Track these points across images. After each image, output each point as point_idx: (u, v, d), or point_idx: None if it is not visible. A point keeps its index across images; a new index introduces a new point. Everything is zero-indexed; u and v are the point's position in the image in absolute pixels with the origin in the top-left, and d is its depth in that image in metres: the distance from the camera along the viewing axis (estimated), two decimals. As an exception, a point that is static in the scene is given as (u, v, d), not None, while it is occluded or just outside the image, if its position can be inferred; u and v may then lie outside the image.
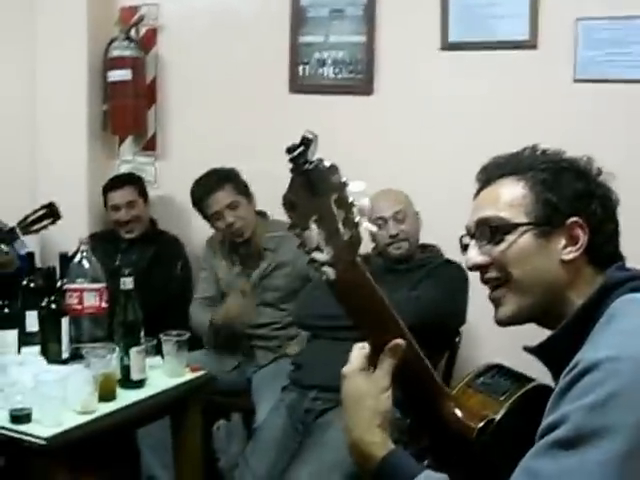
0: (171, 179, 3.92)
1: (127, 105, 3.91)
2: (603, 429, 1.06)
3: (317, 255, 1.16)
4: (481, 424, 1.33)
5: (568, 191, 1.32)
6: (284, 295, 3.32)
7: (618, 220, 1.36)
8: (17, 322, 2.52)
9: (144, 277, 3.59)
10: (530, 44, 3.27)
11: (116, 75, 3.88)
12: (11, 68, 4.14)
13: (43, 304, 2.54)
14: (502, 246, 1.34)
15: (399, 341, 1.25)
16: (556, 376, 1.27)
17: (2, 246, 3.43)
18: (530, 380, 1.44)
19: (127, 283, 2.46)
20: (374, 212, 2.97)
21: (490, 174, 1.41)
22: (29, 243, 3.78)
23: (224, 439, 3.32)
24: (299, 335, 3.28)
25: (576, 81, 3.21)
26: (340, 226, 1.15)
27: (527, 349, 1.37)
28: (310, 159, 1.13)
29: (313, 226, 1.15)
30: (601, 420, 1.07)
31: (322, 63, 3.65)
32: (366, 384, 1.25)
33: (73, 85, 3.97)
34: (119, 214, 3.71)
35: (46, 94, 4.02)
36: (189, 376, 2.60)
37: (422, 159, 3.43)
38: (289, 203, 1.16)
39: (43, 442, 2.07)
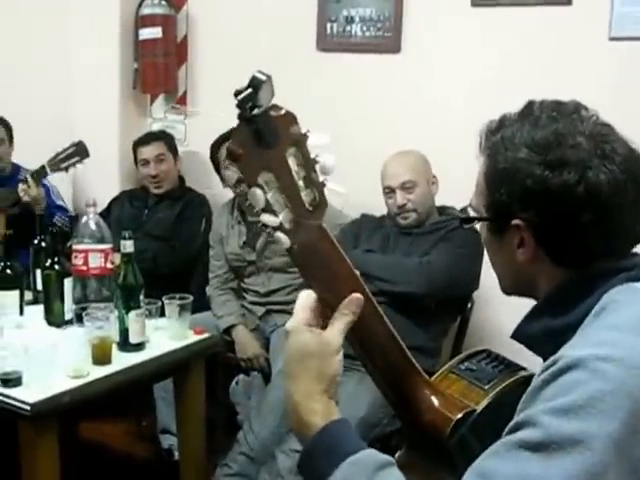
0: (200, 137, 3.75)
1: (157, 63, 3.76)
2: (576, 437, 0.86)
3: (268, 218, 0.94)
4: (460, 415, 1.10)
5: (515, 187, 1.08)
6: None
7: (611, 205, 1.06)
8: (19, 283, 2.40)
9: (170, 233, 3.50)
10: (564, 0, 2.98)
11: (147, 33, 3.73)
12: (46, 25, 4.03)
13: (47, 264, 2.43)
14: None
15: (357, 295, 1.02)
16: None
17: (29, 180, 3.34)
18: (521, 369, 1.22)
19: (127, 246, 2.31)
20: (383, 179, 2.78)
21: (478, 144, 1.19)
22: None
23: (243, 393, 3.21)
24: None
25: (611, 39, 2.93)
26: (301, 186, 0.95)
27: (512, 336, 1.18)
28: (260, 104, 0.90)
29: (262, 183, 0.94)
30: (575, 426, 0.87)
31: (350, 20, 3.42)
32: (313, 342, 1.00)
33: (105, 43, 3.83)
34: (148, 168, 3.58)
35: (79, 52, 3.89)
36: (191, 339, 2.46)
37: (449, 119, 3.21)
38: (232, 155, 0.93)
39: (27, 407, 1.95)
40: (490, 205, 1.14)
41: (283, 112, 0.93)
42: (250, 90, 0.89)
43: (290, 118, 0.94)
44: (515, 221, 1.10)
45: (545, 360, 1.03)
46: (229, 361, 3.15)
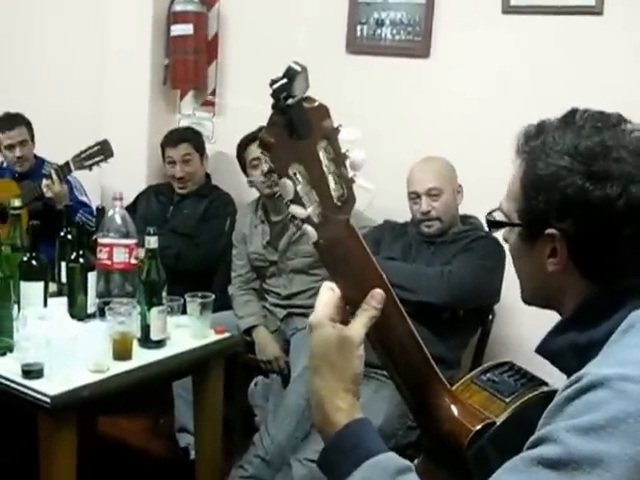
0: (228, 135, 3.73)
1: (187, 60, 3.74)
2: (596, 457, 0.84)
3: (297, 210, 0.92)
4: (479, 426, 1.08)
5: (554, 195, 1.05)
6: (314, 261, 3.08)
7: None
8: (44, 274, 2.39)
9: (194, 231, 3.49)
10: (596, 10, 2.92)
11: (178, 29, 3.72)
12: (80, 19, 4.06)
13: (72, 257, 2.42)
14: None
15: (379, 290, 1.00)
16: None
17: (54, 176, 3.34)
18: (543, 383, 1.20)
19: (151, 242, 2.30)
20: (409, 185, 2.74)
21: (515, 147, 1.15)
22: (90, 194, 3.73)
23: (261, 395, 3.19)
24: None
25: (644, 49, 2.86)
26: (330, 181, 0.93)
27: (536, 350, 1.14)
28: (294, 94, 0.89)
29: (292, 174, 0.92)
30: (596, 446, 0.84)
31: (380, 23, 3.39)
32: (335, 337, 0.98)
33: (138, 38, 3.82)
34: (174, 169, 3.57)
35: (112, 46, 3.88)
36: (212, 338, 2.45)
37: (476, 127, 3.17)
38: (264, 144, 0.91)
39: (47, 400, 1.95)
40: (524, 211, 1.10)
41: (317, 104, 0.92)
42: (285, 80, 0.88)
43: (323, 111, 0.93)
44: (550, 230, 1.06)
45: (569, 376, 1.00)
46: (249, 362, 3.13)
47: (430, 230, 2.74)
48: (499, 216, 1.16)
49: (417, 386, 1.09)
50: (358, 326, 0.99)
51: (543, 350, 1.13)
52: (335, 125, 0.93)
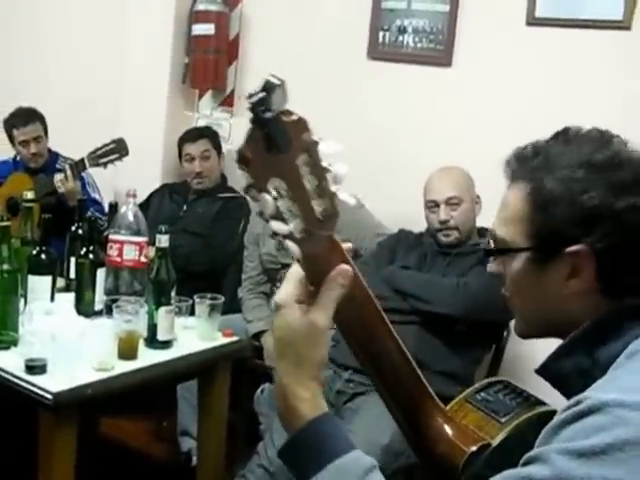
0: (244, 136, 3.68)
1: (208, 59, 3.70)
2: None
3: (278, 226, 0.88)
4: (474, 448, 1.04)
5: (575, 209, 0.99)
6: None
7: None
8: (53, 269, 2.34)
9: (207, 231, 3.44)
10: (624, 25, 2.85)
11: (199, 29, 3.68)
12: (102, 16, 4.03)
13: (82, 253, 2.37)
14: (508, 267, 1.08)
15: (345, 266, 0.92)
16: None
17: (68, 172, 3.30)
18: (540, 403, 1.15)
19: (162, 241, 2.25)
20: (427, 193, 2.67)
21: (507, 171, 1.10)
22: (103, 190, 3.69)
23: (267, 403, 3.12)
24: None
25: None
26: (312, 195, 0.89)
27: (536, 371, 1.09)
28: (272, 108, 0.85)
29: (273, 189, 0.88)
30: (588, 471, 0.81)
31: (402, 30, 3.33)
32: (299, 323, 0.91)
33: (159, 36, 3.79)
34: (193, 165, 3.52)
35: (133, 43, 3.86)
36: (220, 341, 2.39)
37: (495, 139, 3.07)
38: (242, 159, 0.87)
39: (49, 396, 1.90)
40: (537, 232, 1.03)
41: (296, 117, 0.87)
42: (263, 93, 0.84)
43: (303, 124, 0.88)
44: (573, 248, 1.00)
45: (569, 398, 0.97)
46: (256, 368, 3.05)
47: (448, 239, 2.67)
48: (499, 243, 1.09)
49: (408, 405, 1.05)
50: (321, 310, 0.91)
51: (546, 373, 1.08)
52: (314, 138, 0.88)
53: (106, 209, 3.38)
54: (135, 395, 2.25)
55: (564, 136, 1.06)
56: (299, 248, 0.89)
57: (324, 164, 0.88)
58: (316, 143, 0.88)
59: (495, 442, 1.05)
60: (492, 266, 1.12)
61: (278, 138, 0.86)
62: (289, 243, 0.89)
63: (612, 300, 1.01)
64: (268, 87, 0.84)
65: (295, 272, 0.95)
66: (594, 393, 0.88)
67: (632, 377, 0.90)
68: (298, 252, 0.89)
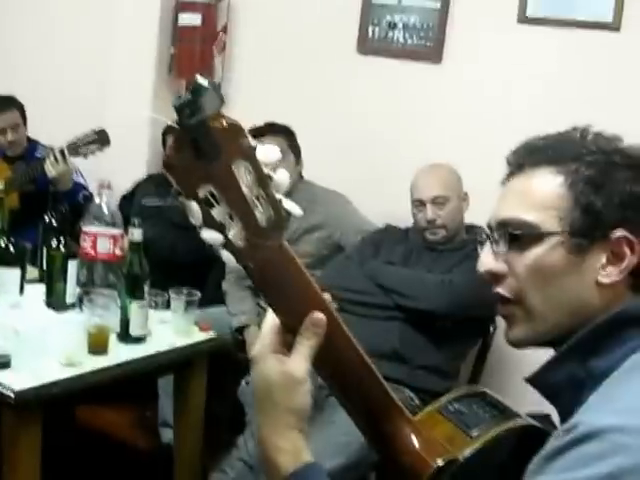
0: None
1: (194, 50, 3.60)
2: None
3: (209, 235, 0.83)
4: (441, 462, 0.96)
5: (618, 195, 0.93)
6: (314, 260, 2.92)
7: None
8: (21, 260, 2.24)
9: (191, 222, 3.34)
10: (614, 26, 2.78)
11: (186, 19, 3.59)
12: (89, 3, 3.92)
13: (53, 244, 2.27)
14: (525, 258, 0.97)
15: (318, 314, 0.88)
16: (562, 417, 0.93)
17: (58, 155, 3.18)
18: (516, 416, 1.06)
19: (136, 234, 2.16)
20: (414, 192, 2.60)
21: (524, 158, 1.02)
22: (88, 181, 3.59)
23: (251, 395, 3.02)
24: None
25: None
26: (254, 203, 0.83)
27: (527, 380, 1.00)
28: (201, 112, 0.79)
29: (204, 197, 0.82)
30: None
31: (393, 26, 3.24)
32: (276, 373, 0.89)
33: (145, 25, 3.68)
34: None
35: (119, 33, 3.75)
36: (195, 337, 2.30)
37: (483, 135, 3.03)
38: (167, 164, 0.82)
39: (11, 395, 1.80)
40: (578, 215, 0.95)
41: (226, 123, 0.82)
42: (190, 96, 0.79)
43: (236, 129, 0.82)
44: (620, 232, 0.93)
45: (560, 412, 0.92)
46: (239, 360, 2.97)
47: (435, 237, 2.62)
48: (525, 228, 0.98)
49: (373, 415, 0.98)
50: (299, 359, 0.89)
51: (535, 382, 1.00)
52: (251, 144, 0.83)
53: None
54: (107, 389, 2.15)
55: (576, 131, 1.01)
56: (241, 256, 0.84)
57: (265, 171, 0.83)
58: (253, 149, 0.82)
59: (462, 457, 0.97)
60: (492, 263, 1.01)
61: (205, 145, 0.80)
62: (223, 252, 0.84)
63: (636, 296, 0.94)
64: (195, 89, 0.79)
65: (270, 321, 0.92)
66: (588, 417, 0.81)
67: (630, 397, 0.82)
68: (232, 261, 0.84)
